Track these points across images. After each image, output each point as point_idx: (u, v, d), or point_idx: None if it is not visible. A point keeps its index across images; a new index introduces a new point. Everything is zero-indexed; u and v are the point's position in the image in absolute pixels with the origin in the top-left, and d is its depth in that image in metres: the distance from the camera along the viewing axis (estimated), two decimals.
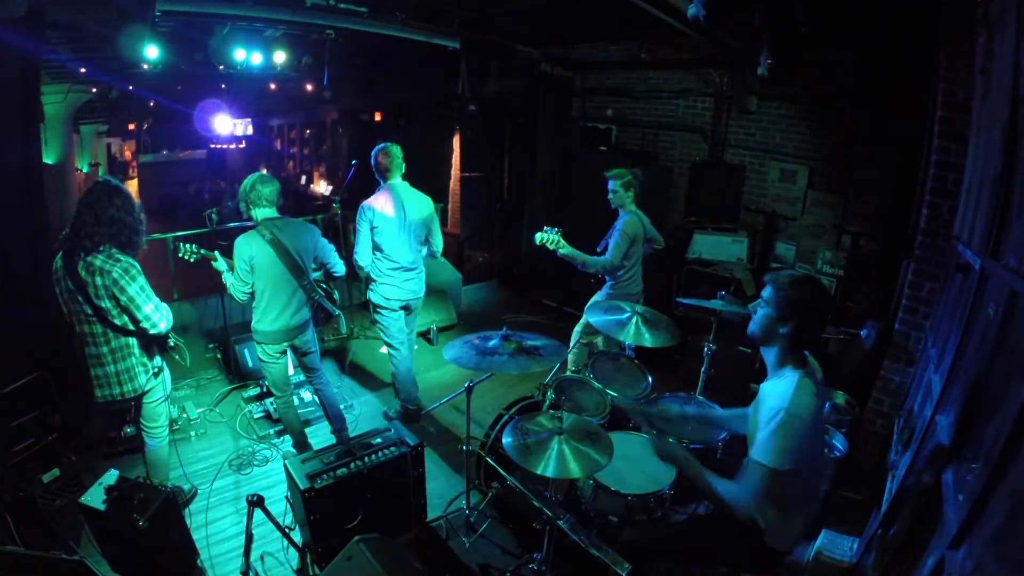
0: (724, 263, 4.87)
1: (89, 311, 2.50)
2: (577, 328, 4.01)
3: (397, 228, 3.55)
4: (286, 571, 2.73)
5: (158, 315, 2.59)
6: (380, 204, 3.52)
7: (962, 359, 1.96)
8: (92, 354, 2.60)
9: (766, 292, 1.92)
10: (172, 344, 2.84)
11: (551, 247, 3.52)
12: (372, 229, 3.54)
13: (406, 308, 3.85)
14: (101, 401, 2.68)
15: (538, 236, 3.52)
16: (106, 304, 2.50)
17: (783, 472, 1.75)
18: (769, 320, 1.88)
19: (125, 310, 2.54)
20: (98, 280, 2.45)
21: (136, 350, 2.67)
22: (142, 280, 2.55)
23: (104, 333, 2.57)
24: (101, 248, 2.48)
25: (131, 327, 2.60)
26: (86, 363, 2.62)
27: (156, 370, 2.80)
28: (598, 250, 3.85)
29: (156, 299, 2.62)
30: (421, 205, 3.66)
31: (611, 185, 3.78)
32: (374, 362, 5.00)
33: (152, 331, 2.60)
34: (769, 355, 1.95)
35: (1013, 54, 1.81)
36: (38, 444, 2.99)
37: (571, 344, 3.91)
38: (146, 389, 2.77)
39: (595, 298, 3.96)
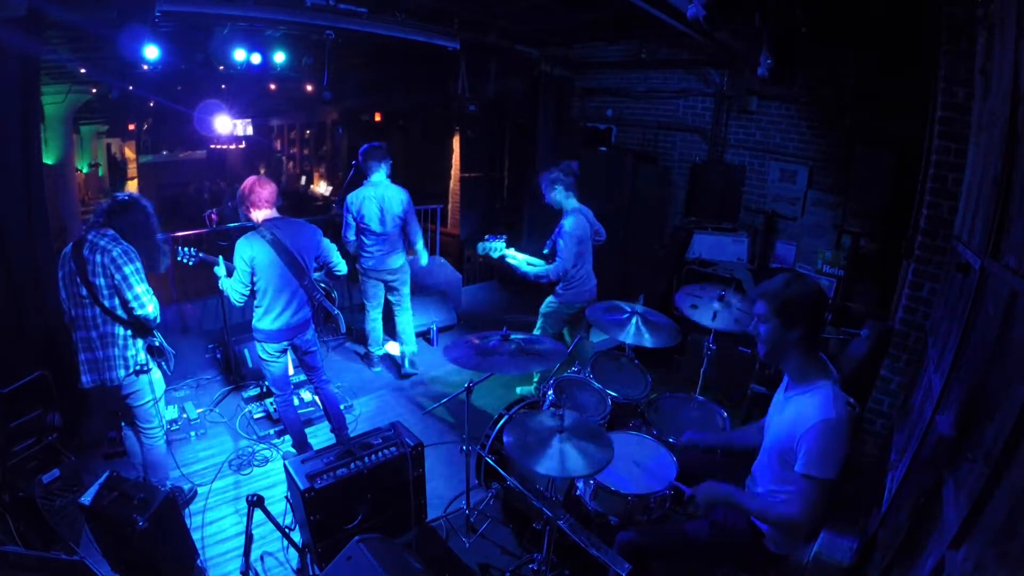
0: (724, 263, 4.87)
1: (84, 292, 2.58)
2: (536, 330, 3.96)
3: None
4: (286, 571, 2.73)
5: (147, 297, 2.65)
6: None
7: (962, 359, 1.96)
8: (82, 337, 2.65)
9: (760, 308, 1.89)
10: (157, 344, 2.84)
11: (495, 255, 3.46)
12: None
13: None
14: (88, 387, 2.70)
15: (480, 246, 3.44)
16: (100, 282, 2.56)
17: (832, 481, 1.76)
18: (777, 332, 1.86)
19: (116, 290, 2.59)
20: (97, 258, 2.55)
21: (120, 340, 2.69)
22: (139, 264, 2.65)
23: (94, 318, 2.63)
24: (109, 233, 2.61)
25: (119, 312, 2.64)
26: (77, 348, 2.67)
27: (139, 367, 2.76)
28: (544, 252, 3.80)
29: (147, 286, 2.69)
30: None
31: (542, 189, 3.73)
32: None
33: (139, 311, 2.64)
34: (789, 367, 1.94)
35: (1013, 54, 1.81)
36: (38, 444, 2.99)
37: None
38: (127, 388, 2.76)
39: (548, 301, 3.92)
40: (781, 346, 1.88)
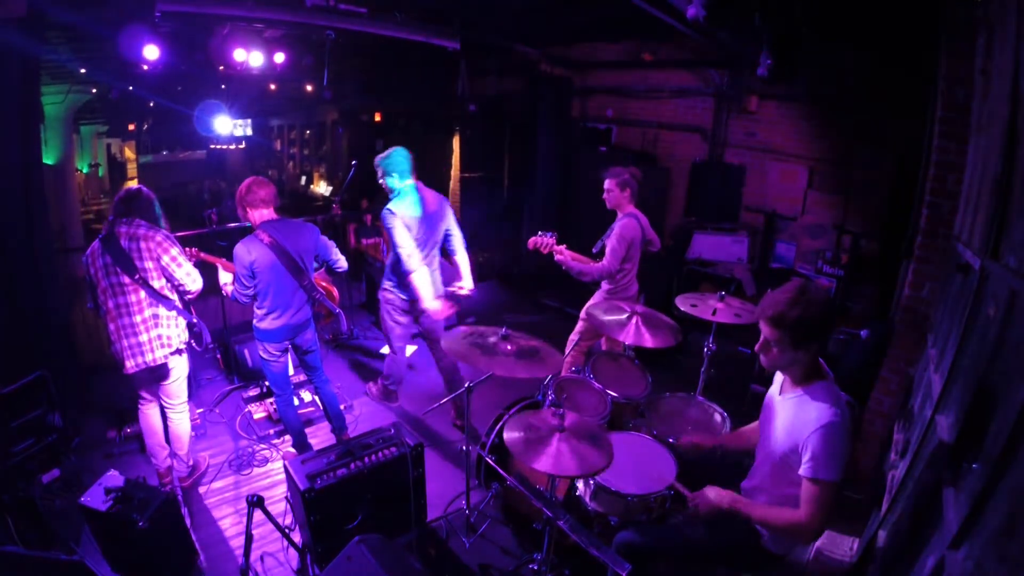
0: (724, 263, 4.88)
1: (127, 281, 2.70)
2: (573, 336, 3.98)
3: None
4: (286, 571, 2.73)
5: (196, 273, 2.91)
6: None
7: (962, 359, 1.96)
8: (125, 324, 2.76)
9: (767, 330, 1.85)
10: (195, 320, 2.99)
11: (544, 251, 3.51)
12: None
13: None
14: (133, 372, 2.82)
15: (532, 240, 3.53)
16: (148, 265, 2.75)
17: (838, 482, 1.76)
18: (787, 353, 1.83)
19: (164, 271, 2.80)
20: (141, 244, 2.72)
21: (163, 321, 2.85)
22: (179, 246, 2.89)
23: (138, 303, 2.76)
24: (142, 223, 2.77)
25: (166, 293, 2.81)
26: (119, 336, 2.77)
27: (181, 346, 2.95)
28: (594, 252, 3.82)
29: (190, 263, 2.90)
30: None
31: (606, 184, 3.73)
32: (373, 362, 4.99)
33: (192, 287, 2.89)
34: (791, 372, 1.93)
35: (1013, 54, 1.81)
36: (38, 444, 2.99)
37: (567, 350, 3.87)
38: (170, 365, 2.94)
39: (592, 301, 3.93)
40: (789, 362, 1.87)
